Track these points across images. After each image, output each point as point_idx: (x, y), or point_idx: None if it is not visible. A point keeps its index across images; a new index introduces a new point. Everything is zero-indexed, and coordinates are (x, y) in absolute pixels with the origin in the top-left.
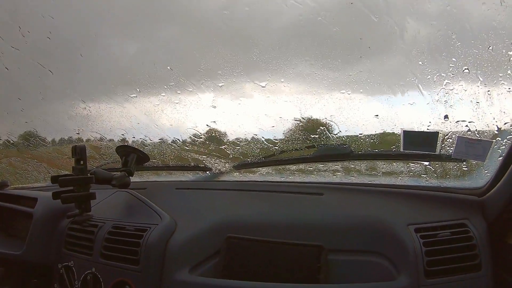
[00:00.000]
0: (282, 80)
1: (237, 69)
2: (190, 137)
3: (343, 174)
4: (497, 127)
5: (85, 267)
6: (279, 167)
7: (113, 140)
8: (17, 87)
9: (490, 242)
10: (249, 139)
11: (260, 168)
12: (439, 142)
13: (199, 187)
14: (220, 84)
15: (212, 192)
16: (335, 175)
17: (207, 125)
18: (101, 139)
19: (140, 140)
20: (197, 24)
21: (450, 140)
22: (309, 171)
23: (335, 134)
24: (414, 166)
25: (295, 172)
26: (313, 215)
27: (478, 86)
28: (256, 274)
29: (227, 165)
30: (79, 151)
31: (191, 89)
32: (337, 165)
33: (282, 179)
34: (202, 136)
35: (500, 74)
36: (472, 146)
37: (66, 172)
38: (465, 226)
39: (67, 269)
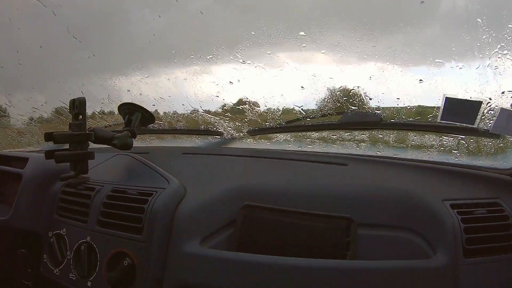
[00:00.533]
0: (316, 49)
1: (269, 37)
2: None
3: (369, 145)
4: None
5: (78, 235)
6: (299, 134)
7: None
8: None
9: None
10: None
11: (278, 135)
12: (479, 114)
13: (208, 153)
14: (248, 52)
15: (223, 157)
16: (359, 147)
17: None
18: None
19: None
20: None
21: (492, 112)
22: (331, 140)
23: (370, 98)
24: (447, 140)
25: (315, 140)
26: (337, 185)
27: None
28: (275, 247)
29: (241, 129)
30: (78, 104)
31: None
32: (364, 134)
33: (300, 148)
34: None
35: None
36: None
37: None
38: (499, 205)
39: (58, 238)
